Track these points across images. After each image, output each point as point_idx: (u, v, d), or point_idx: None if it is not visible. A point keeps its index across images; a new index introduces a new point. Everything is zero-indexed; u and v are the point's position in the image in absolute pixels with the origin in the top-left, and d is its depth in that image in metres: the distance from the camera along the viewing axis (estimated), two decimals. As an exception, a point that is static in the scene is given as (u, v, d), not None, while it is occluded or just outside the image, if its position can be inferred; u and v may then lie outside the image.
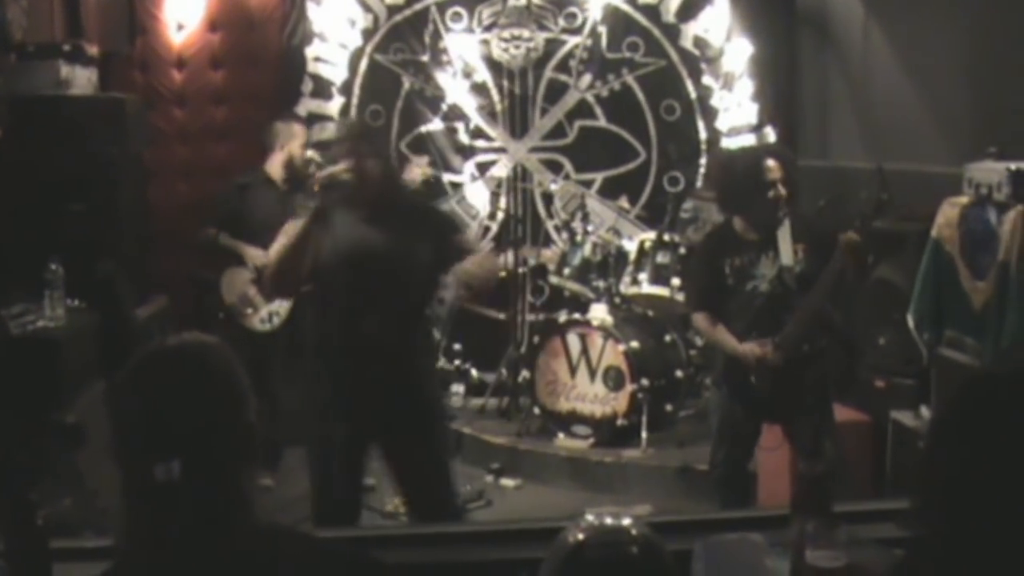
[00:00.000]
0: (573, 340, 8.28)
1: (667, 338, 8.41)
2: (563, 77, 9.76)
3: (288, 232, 5.02)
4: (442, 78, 9.66)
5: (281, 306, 7.53)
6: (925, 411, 6.71)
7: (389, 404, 5.15)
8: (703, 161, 9.23)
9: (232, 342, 2.71)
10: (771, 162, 6.01)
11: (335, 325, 5.12)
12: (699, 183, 9.50)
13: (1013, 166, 5.95)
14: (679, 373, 8.30)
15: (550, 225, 9.67)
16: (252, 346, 7.55)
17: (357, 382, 5.11)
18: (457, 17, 9.65)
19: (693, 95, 9.77)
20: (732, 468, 6.20)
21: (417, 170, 8.71)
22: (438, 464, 5.40)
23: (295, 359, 7.61)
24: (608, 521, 2.63)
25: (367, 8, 9.61)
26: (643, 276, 8.17)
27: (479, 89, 9.71)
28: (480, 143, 9.74)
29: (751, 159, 6.27)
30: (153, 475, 2.35)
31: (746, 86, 9.67)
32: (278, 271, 5.09)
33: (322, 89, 9.60)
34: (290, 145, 7.79)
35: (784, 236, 5.93)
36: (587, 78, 9.73)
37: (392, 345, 5.11)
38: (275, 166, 7.86)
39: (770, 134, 9.66)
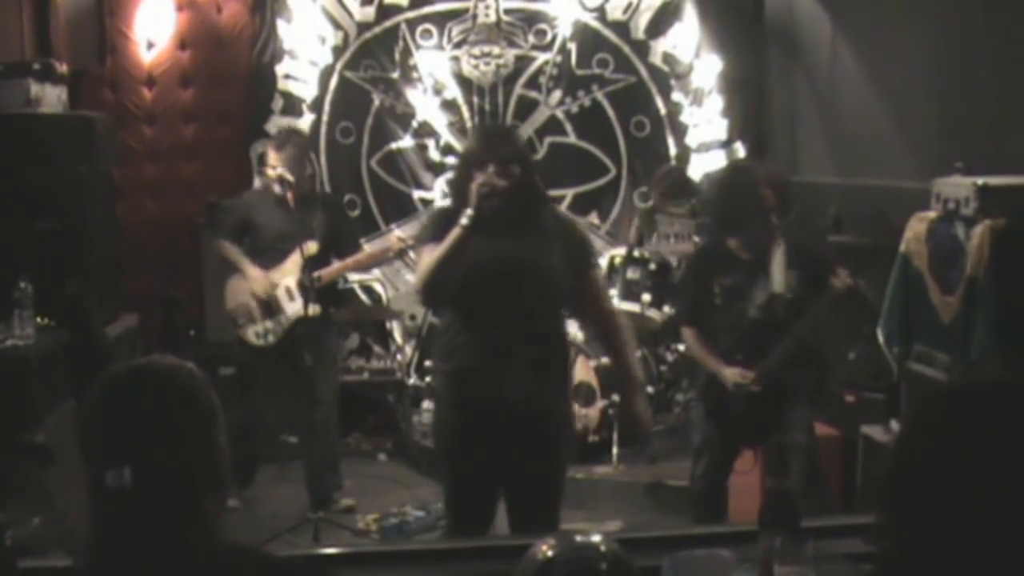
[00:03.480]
0: (544, 356, 8.27)
1: (637, 354, 8.40)
2: (533, 94, 9.78)
3: (445, 242, 4.75)
4: (412, 95, 9.66)
5: (278, 325, 7.39)
6: (895, 425, 6.72)
7: (517, 429, 4.84)
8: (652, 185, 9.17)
9: (201, 357, 2.73)
10: (766, 191, 6.03)
11: (469, 340, 4.89)
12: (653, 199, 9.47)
13: (980, 181, 5.97)
14: (650, 389, 8.28)
15: (521, 242, 9.66)
16: (244, 355, 7.47)
17: (489, 400, 4.85)
18: (427, 34, 9.66)
19: (663, 111, 9.81)
20: (709, 483, 6.21)
21: (394, 239, 8.43)
22: (552, 496, 5.11)
23: (282, 377, 7.57)
24: (578, 538, 2.64)
25: (337, 25, 9.61)
26: (613, 292, 8.17)
27: (449, 106, 9.72)
28: (450, 160, 9.72)
29: (748, 182, 6.20)
30: (107, 487, 2.36)
31: (715, 102, 9.71)
32: (432, 280, 4.81)
33: (292, 106, 9.58)
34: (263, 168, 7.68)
35: (778, 261, 5.94)
36: (557, 94, 9.75)
37: (522, 363, 4.83)
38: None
39: (740, 150, 9.70)
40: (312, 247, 7.20)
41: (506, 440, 4.85)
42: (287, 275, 7.30)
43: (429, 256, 4.80)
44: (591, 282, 5.16)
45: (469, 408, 4.93)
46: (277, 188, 7.33)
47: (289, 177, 7.29)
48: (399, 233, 8.86)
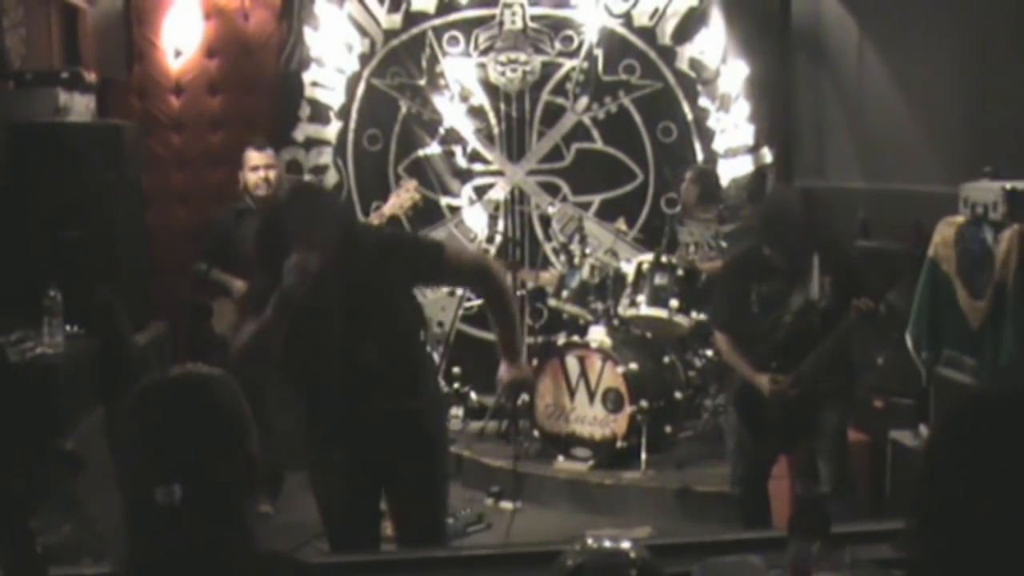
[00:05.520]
0: (572, 362, 8.27)
1: (666, 360, 8.41)
2: (560, 100, 9.78)
3: (260, 322, 4.64)
4: (439, 102, 9.67)
5: None
6: (924, 431, 6.71)
7: (388, 431, 4.92)
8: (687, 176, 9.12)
9: (227, 369, 2.73)
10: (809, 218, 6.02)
11: (320, 363, 4.88)
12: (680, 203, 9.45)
13: (1009, 185, 5.97)
14: (678, 395, 8.28)
15: (548, 248, 9.67)
16: (244, 375, 7.47)
17: (353, 412, 4.90)
18: (454, 41, 9.67)
19: (689, 117, 9.79)
20: (749, 488, 6.21)
21: (405, 195, 8.59)
22: (433, 494, 5.24)
23: (288, 386, 7.59)
24: (607, 544, 2.64)
25: (364, 33, 9.63)
26: (641, 298, 8.17)
27: (476, 112, 9.73)
28: (477, 166, 9.75)
29: (798, 208, 6.14)
30: (154, 501, 2.37)
31: (742, 107, 9.68)
32: (244, 357, 4.75)
33: (319, 114, 9.61)
34: (242, 172, 7.75)
35: (813, 268, 5.95)
36: (584, 101, 9.75)
37: (383, 375, 4.90)
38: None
39: (766, 155, 9.68)
40: None
41: (370, 465, 4.97)
42: None
43: (247, 329, 4.76)
44: (449, 272, 5.19)
45: (329, 444, 5.00)
46: (262, 191, 7.48)
47: (271, 177, 7.48)
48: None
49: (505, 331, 5.18)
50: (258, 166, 7.59)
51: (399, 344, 5.01)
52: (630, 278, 8.30)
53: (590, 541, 2.65)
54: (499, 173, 9.77)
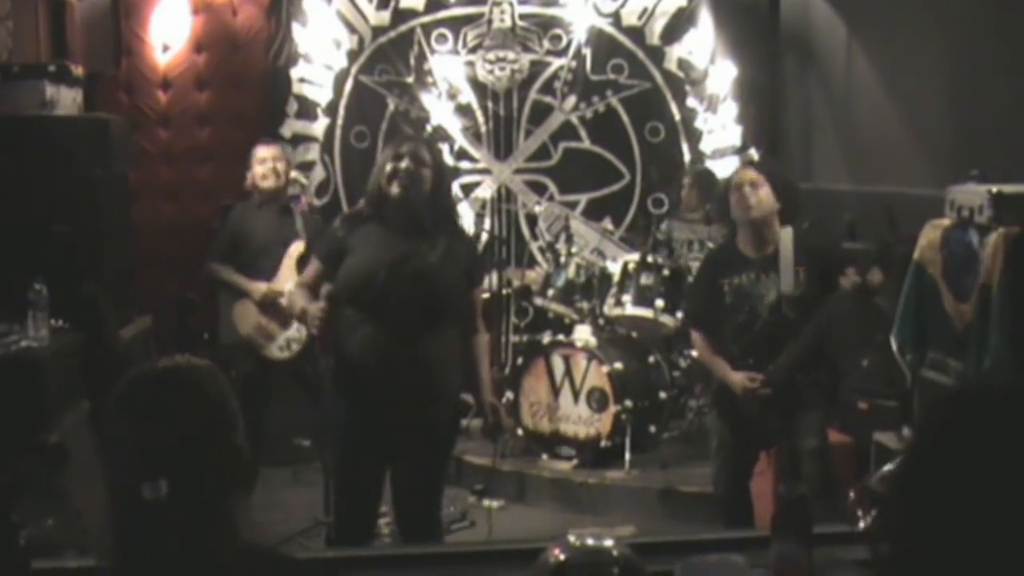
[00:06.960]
0: (557, 361, 8.28)
1: (651, 359, 8.41)
2: (547, 99, 9.77)
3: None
4: (427, 99, 9.66)
5: (300, 333, 7.38)
6: (908, 433, 6.71)
7: (414, 422, 5.25)
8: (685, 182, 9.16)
9: (215, 360, 2.73)
10: (750, 171, 6.06)
11: (367, 342, 5.19)
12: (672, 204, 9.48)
13: (995, 188, 5.96)
14: (663, 394, 8.29)
15: (534, 246, 9.67)
16: (261, 370, 7.50)
17: (386, 399, 5.20)
18: (442, 39, 9.66)
19: (677, 117, 9.79)
20: (731, 489, 6.20)
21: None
22: (436, 485, 5.55)
23: (299, 383, 7.59)
24: (589, 542, 2.64)
25: (352, 29, 9.62)
26: (627, 298, 8.17)
27: (464, 110, 9.72)
28: (464, 164, 9.73)
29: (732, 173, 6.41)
30: (141, 494, 2.37)
31: (730, 108, 9.70)
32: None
33: (307, 110, 9.60)
34: (250, 170, 7.74)
35: (786, 259, 5.94)
36: (571, 100, 9.75)
37: (424, 362, 5.21)
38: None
39: (754, 156, 9.67)
40: (300, 246, 7.44)
41: (391, 430, 5.26)
42: (287, 280, 7.32)
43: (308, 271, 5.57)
44: (473, 298, 5.57)
45: (361, 399, 5.29)
46: (270, 183, 7.60)
47: (279, 168, 7.51)
48: None
49: (486, 368, 5.66)
50: (265, 158, 7.62)
51: (454, 339, 5.41)
52: (616, 277, 8.30)
53: (573, 539, 2.66)
54: (486, 171, 9.77)
